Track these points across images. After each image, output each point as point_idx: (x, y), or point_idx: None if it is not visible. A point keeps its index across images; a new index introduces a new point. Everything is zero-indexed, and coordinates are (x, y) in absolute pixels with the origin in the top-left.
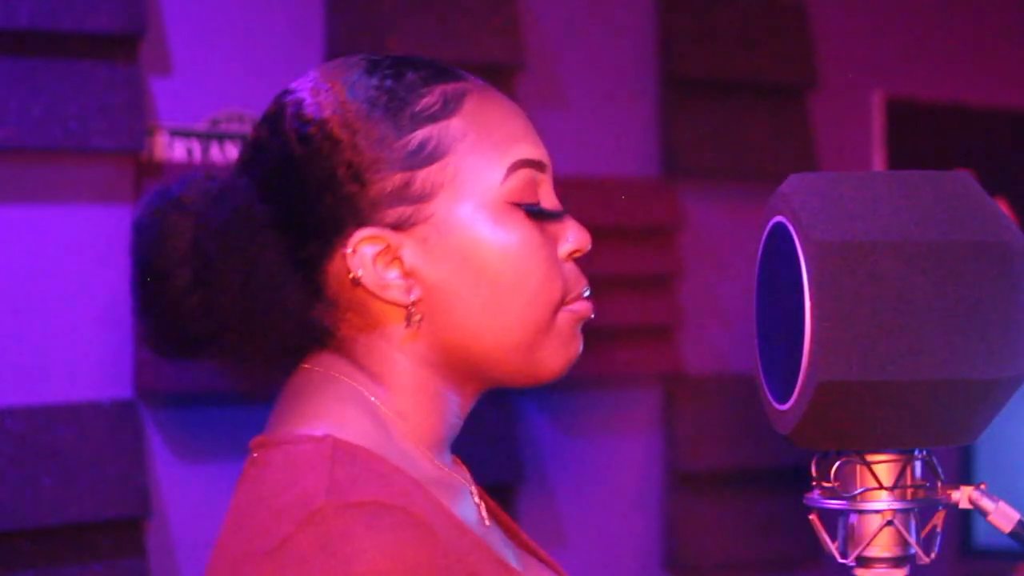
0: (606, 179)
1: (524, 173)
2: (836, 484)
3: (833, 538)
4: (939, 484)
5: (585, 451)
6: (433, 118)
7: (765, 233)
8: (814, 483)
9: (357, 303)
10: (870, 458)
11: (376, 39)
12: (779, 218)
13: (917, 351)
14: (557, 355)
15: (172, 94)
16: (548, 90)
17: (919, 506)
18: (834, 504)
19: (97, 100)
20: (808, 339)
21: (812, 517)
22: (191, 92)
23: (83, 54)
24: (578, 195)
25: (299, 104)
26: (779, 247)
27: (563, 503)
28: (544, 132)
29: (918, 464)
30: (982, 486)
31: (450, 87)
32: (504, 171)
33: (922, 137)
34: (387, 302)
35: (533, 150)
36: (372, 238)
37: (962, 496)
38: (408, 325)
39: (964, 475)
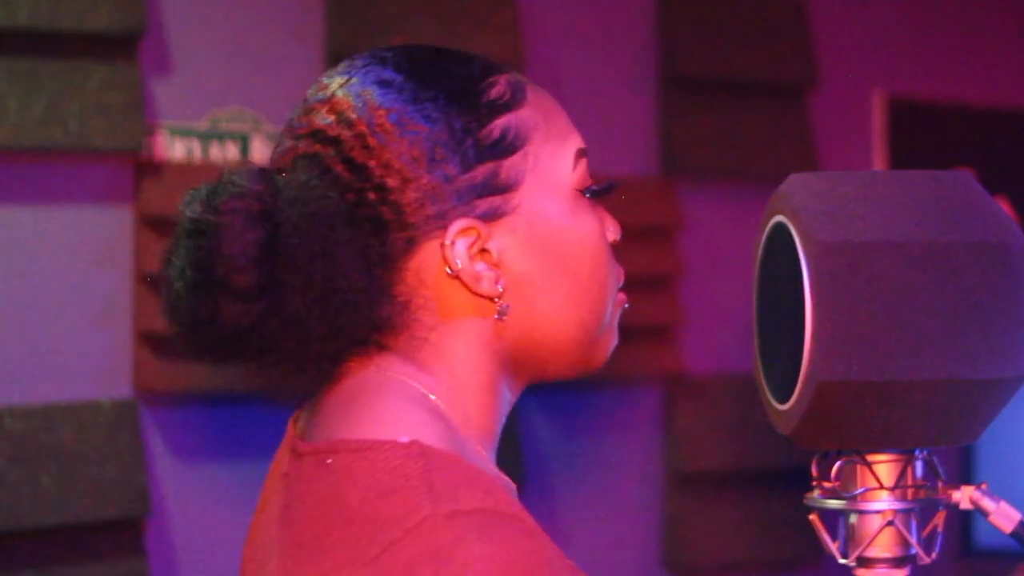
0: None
1: (584, 162)
2: (837, 484)
3: (834, 538)
4: (940, 484)
5: (585, 451)
6: (507, 107)
7: (765, 233)
8: (814, 483)
9: (436, 298)
10: (871, 458)
11: (376, 39)
12: (779, 218)
13: (917, 351)
14: (608, 346)
15: (172, 94)
16: (548, 90)
17: (920, 506)
18: (835, 504)
19: (97, 100)
20: (808, 339)
21: (813, 517)
22: (191, 92)
23: (82, 54)
24: None
25: (366, 94)
26: (779, 247)
27: (563, 503)
28: None
29: (919, 464)
30: (983, 486)
31: (510, 77)
32: (572, 159)
33: (922, 137)
34: (478, 295)
35: (581, 139)
36: (466, 230)
37: (963, 496)
38: (497, 317)
39: (965, 475)
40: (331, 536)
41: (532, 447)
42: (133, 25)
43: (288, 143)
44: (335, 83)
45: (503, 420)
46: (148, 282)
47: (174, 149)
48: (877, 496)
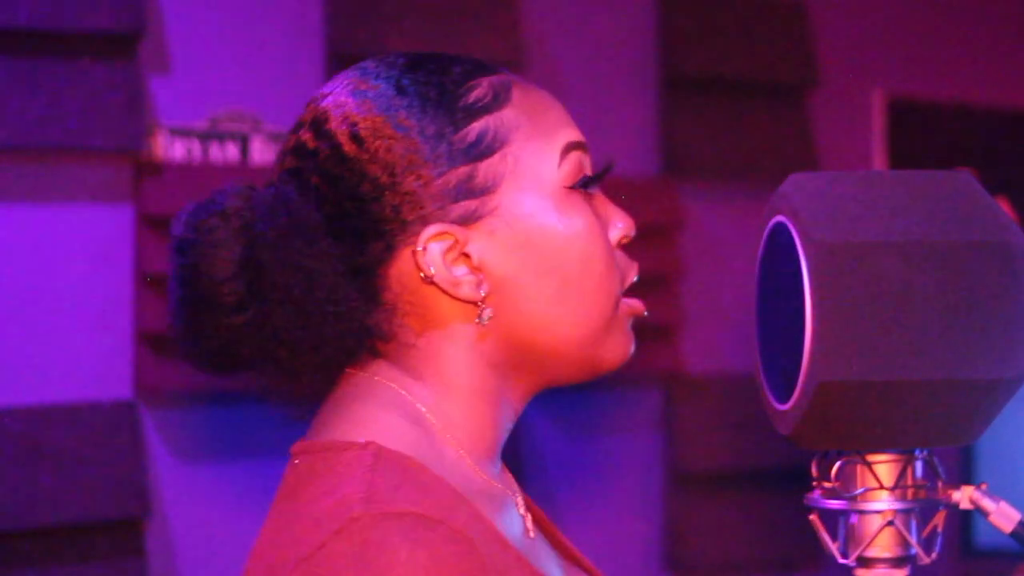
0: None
1: (575, 155)
2: (837, 484)
3: (834, 538)
4: (940, 484)
5: (585, 451)
6: (487, 109)
7: (765, 233)
8: (814, 483)
9: (420, 305)
10: (871, 458)
11: (376, 39)
12: (779, 218)
13: (918, 351)
14: (618, 348)
15: (172, 94)
16: (548, 90)
17: (920, 506)
18: (835, 504)
19: (97, 100)
20: (808, 339)
21: (812, 517)
22: (191, 92)
23: (82, 53)
24: None
25: (343, 105)
26: (779, 247)
27: (563, 503)
28: None
29: (919, 464)
30: (983, 486)
31: (495, 79)
32: (558, 156)
33: (922, 137)
34: (458, 300)
35: (577, 133)
36: (440, 235)
37: (963, 496)
38: (479, 322)
39: (965, 475)
40: (281, 533)
41: (532, 447)
42: (132, 24)
43: (279, 159)
44: (319, 97)
45: (506, 426)
46: (148, 282)
47: (174, 149)
48: (877, 496)
